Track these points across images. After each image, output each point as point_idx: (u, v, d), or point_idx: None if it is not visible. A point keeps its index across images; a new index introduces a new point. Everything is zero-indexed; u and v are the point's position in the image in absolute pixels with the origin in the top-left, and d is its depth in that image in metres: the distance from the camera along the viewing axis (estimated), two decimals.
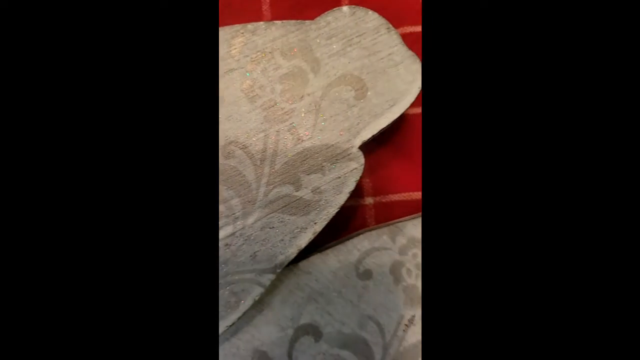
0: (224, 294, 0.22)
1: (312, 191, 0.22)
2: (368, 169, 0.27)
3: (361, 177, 0.27)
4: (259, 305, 0.24)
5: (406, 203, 0.27)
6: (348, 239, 0.24)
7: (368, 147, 0.28)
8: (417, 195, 0.27)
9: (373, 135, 0.23)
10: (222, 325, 0.22)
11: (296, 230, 0.22)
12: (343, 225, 0.27)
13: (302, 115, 0.23)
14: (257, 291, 0.22)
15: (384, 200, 0.27)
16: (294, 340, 0.24)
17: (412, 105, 0.28)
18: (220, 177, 0.22)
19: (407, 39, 0.28)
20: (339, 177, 0.22)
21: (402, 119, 0.28)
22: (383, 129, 0.23)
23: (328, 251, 0.24)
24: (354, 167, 0.22)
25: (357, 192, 0.27)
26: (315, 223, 0.22)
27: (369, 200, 0.27)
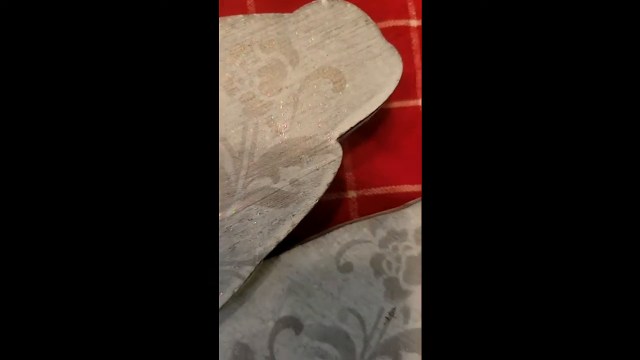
0: None
1: (290, 183, 0.22)
2: (351, 163, 0.27)
3: (344, 171, 0.27)
4: (239, 297, 0.24)
5: (390, 196, 0.27)
6: (328, 232, 0.24)
7: (351, 141, 0.28)
8: (401, 188, 0.27)
9: (351, 128, 0.23)
10: None
11: (274, 222, 0.22)
12: (326, 219, 0.27)
13: (281, 107, 0.23)
14: (236, 283, 0.22)
15: (367, 194, 0.27)
16: (274, 332, 0.24)
17: (395, 98, 0.28)
18: None
19: (389, 32, 0.28)
20: (317, 169, 0.22)
21: (386, 112, 0.28)
22: (361, 121, 0.23)
23: (309, 243, 0.24)
24: (332, 159, 0.22)
25: (340, 186, 0.27)
26: (293, 215, 0.22)
27: (352, 194, 0.27)
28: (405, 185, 0.27)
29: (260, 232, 0.22)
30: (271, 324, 0.24)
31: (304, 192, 0.22)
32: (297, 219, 0.22)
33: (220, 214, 0.22)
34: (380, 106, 0.23)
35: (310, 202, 0.22)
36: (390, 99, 0.28)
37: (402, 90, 0.28)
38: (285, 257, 0.24)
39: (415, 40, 0.28)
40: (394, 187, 0.27)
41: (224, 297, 0.22)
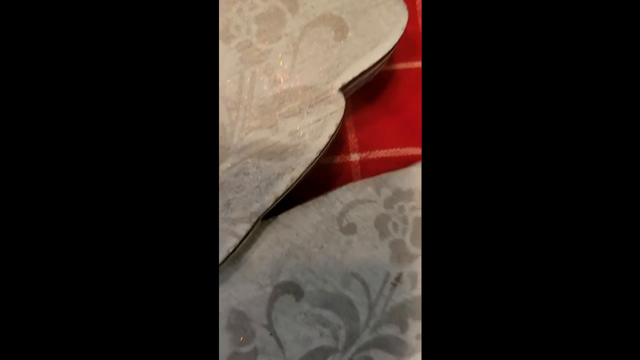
0: None
1: (289, 135, 0.21)
2: (354, 125, 0.26)
3: (347, 133, 0.26)
4: (235, 261, 0.22)
5: (394, 159, 0.25)
6: (330, 191, 0.23)
7: (354, 103, 0.26)
8: (405, 151, 0.26)
9: (354, 78, 0.22)
10: None
11: (273, 177, 0.21)
12: (328, 183, 0.26)
13: (280, 56, 0.21)
14: (231, 242, 0.21)
15: (370, 157, 0.25)
16: (273, 299, 0.22)
17: (400, 60, 0.27)
18: None
19: None
20: (319, 120, 0.21)
21: (390, 74, 0.27)
22: (365, 71, 0.22)
23: (309, 203, 0.23)
24: (334, 110, 0.21)
25: (342, 148, 0.26)
26: (293, 169, 0.21)
27: (354, 157, 0.26)
28: (410, 148, 0.26)
29: (257, 187, 0.21)
30: (269, 289, 0.22)
31: (304, 144, 0.21)
32: (297, 172, 0.21)
33: None
34: (386, 55, 0.22)
35: (311, 156, 0.21)
36: (395, 60, 0.27)
37: (407, 51, 0.27)
38: (284, 217, 0.23)
39: (420, 1, 0.27)
40: (398, 149, 0.25)
41: (218, 257, 0.21)
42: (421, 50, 0.27)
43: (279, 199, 0.21)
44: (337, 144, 0.25)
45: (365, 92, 0.26)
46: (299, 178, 0.21)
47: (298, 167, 0.21)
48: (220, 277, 0.22)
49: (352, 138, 0.26)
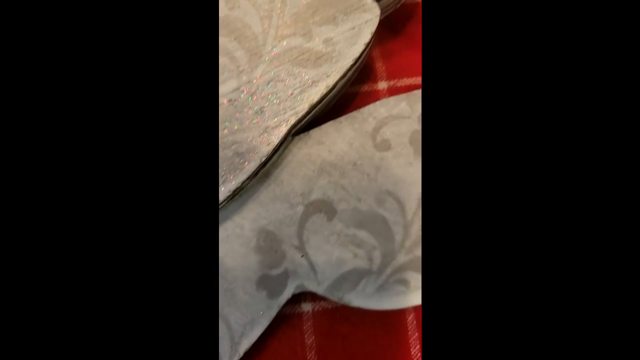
0: (227, 154, 0.20)
1: (324, 42, 0.20)
2: (381, 55, 0.26)
3: (374, 61, 0.26)
4: (265, 179, 0.21)
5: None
6: (364, 107, 0.22)
7: (380, 36, 0.26)
8: None
9: None
10: (227, 190, 0.20)
11: (307, 84, 0.20)
12: None
13: None
14: (265, 150, 0.20)
15: (398, 84, 0.25)
16: (304, 218, 0.21)
17: None
18: (224, 30, 0.20)
19: None
20: (353, 28, 0.21)
21: (415, 6, 0.27)
22: None
23: (342, 119, 0.22)
24: (369, 18, 0.21)
25: (371, 77, 0.25)
26: (328, 76, 0.20)
27: (382, 85, 0.25)
28: None
29: (291, 94, 0.20)
30: (300, 208, 0.21)
31: (338, 51, 0.20)
32: (332, 80, 0.20)
33: (245, 76, 0.20)
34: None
35: (347, 63, 0.20)
36: None
37: None
38: (316, 133, 0.22)
39: None
40: None
41: (249, 167, 0.20)
42: None
43: (313, 107, 0.20)
44: (364, 72, 0.25)
45: (390, 25, 0.26)
46: (334, 86, 0.20)
47: (333, 74, 0.20)
48: (249, 196, 0.21)
49: (379, 66, 0.25)
